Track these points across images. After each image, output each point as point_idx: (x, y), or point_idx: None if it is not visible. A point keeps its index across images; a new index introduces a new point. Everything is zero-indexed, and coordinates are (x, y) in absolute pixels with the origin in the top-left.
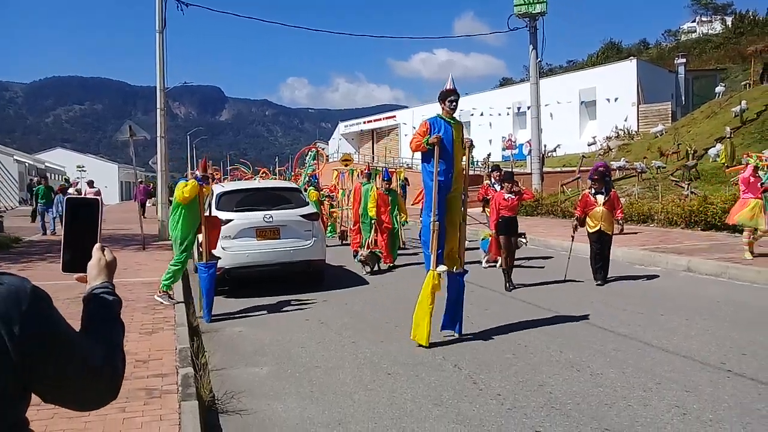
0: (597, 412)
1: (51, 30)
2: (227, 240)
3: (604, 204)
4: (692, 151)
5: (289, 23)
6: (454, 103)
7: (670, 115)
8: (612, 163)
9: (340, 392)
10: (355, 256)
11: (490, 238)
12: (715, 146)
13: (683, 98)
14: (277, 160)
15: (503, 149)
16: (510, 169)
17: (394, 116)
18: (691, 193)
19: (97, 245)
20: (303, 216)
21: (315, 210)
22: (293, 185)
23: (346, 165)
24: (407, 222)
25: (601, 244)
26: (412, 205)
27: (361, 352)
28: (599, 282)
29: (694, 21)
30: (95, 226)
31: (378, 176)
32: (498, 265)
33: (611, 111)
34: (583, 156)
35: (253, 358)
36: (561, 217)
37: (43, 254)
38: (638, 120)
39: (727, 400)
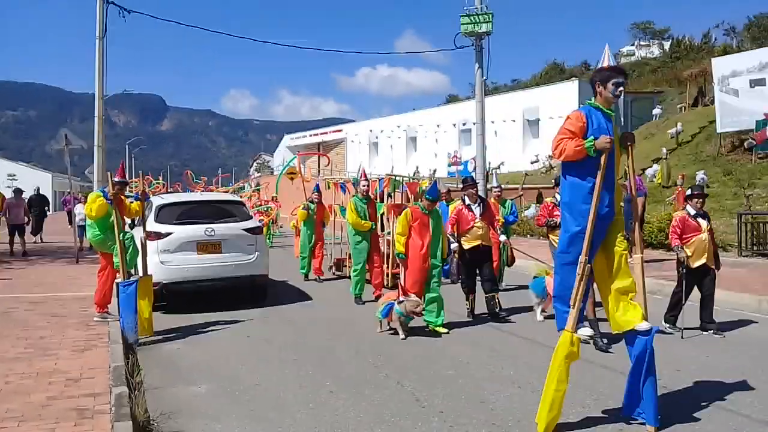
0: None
1: None
2: (166, 254)
3: (708, 230)
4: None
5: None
6: (621, 89)
7: None
8: (553, 180)
9: (282, 411)
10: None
11: (546, 277)
12: (652, 167)
13: (622, 119)
14: (220, 171)
15: (449, 165)
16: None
17: (341, 129)
18: None
19: None
20: (246, 230)
21: (258, 224)
22: (236, 198)
23: (291, 179)
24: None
25: (703, 281)
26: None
27: (303, 370)
28: (710, 329)
29: (633, 45)
30: None
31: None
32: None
33: (554, 129)
34: (526, 173)
35: (191, 376)
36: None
37: None
38: None
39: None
